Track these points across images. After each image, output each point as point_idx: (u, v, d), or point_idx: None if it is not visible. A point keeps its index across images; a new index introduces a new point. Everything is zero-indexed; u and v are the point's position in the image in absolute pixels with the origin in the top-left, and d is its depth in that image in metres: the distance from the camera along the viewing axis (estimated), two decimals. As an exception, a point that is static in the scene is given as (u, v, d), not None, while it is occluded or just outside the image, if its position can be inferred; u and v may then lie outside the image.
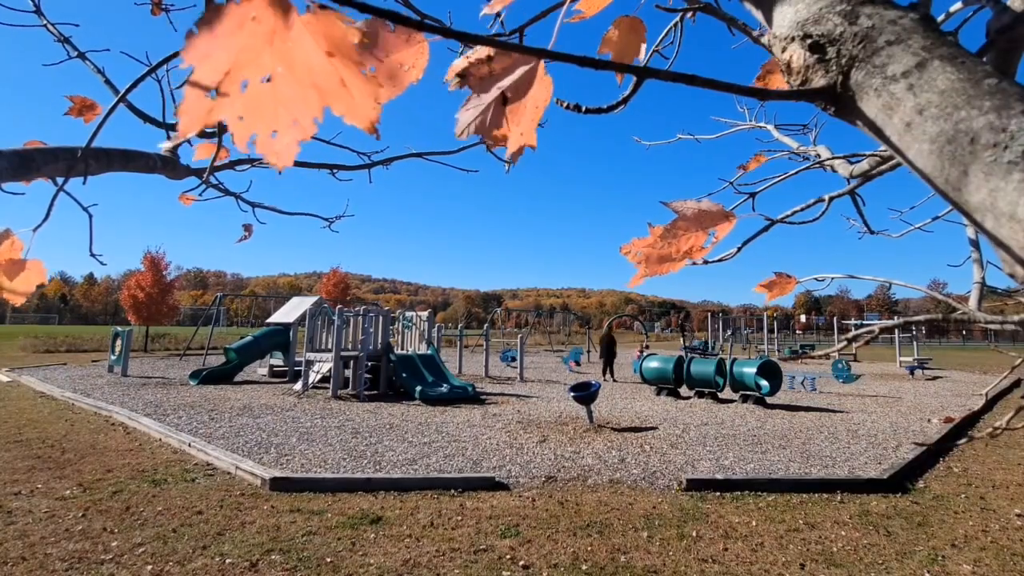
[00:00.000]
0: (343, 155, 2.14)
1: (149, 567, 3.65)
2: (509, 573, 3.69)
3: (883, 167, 1.48)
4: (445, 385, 11.40)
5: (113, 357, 15.01)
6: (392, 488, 5.32)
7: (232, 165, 1.80)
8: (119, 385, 12.41)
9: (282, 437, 7.30)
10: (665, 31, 1.38)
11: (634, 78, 0.67)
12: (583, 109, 0.73)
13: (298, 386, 11.75)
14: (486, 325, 22.13)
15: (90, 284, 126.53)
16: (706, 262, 0.97)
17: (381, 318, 12.03)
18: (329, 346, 11.68)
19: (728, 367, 11.34)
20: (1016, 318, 0.96)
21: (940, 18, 1.11)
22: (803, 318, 49.66)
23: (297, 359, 13.19)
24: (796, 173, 2.11)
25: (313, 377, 11.69)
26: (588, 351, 27.83)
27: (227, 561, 3.75)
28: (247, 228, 2.19)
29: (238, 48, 0.45)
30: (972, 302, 1.32)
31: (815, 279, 1.44)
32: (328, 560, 3.79)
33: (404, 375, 11.39)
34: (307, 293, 42.65)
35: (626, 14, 1.09)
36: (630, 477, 5.82)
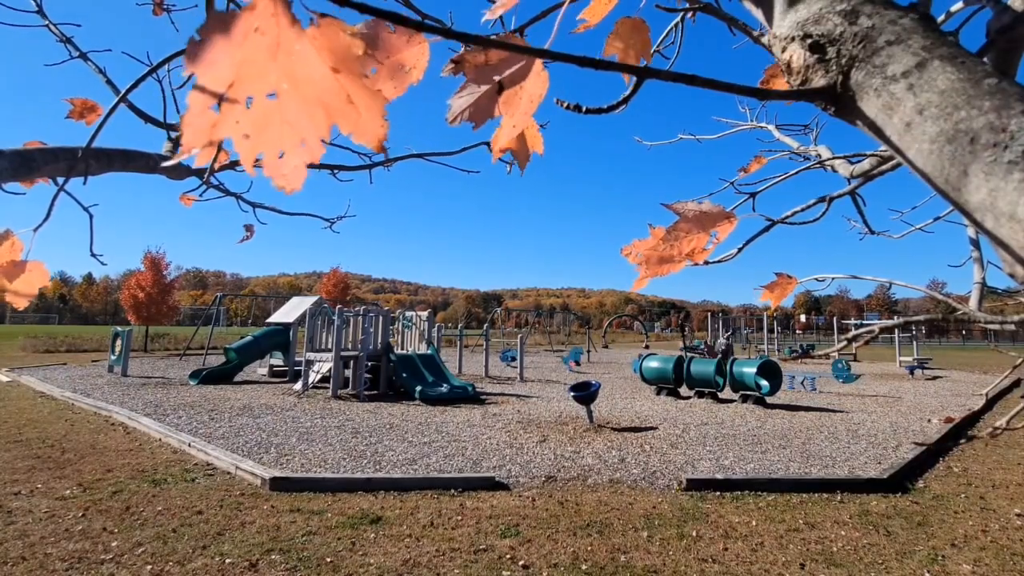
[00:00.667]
0: (343, 155, 2.14)
1: (149, 567, 3.65)
2: (509, 573, 3.69)
3: (883, 167, 1.48)
4: (445, 385, 11.40)
5: (113, 357, 15.01)
6: (392, 488, 5.32)
7: (232, 166, 1.80)
8: (119, 385, 12.41)
9: (282, 437, 7.30)
10: (666, 31, 1.38)
11: (634, 78, 0.67)
12: (583, 109, 0.74)
13: (298, 386, 11.75)
14: (486, 325, 22.14)
15: (89, 284, 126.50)
16: (707, 263, 0.97)
17: (381, 318, 12.03)
18: (329, 346, 11.68)
19: (728, 367, 11.34)
20: (1016, 318, 0.97)
21: (940, 18, 1.11)
22: (803, 318, 49.65)
23: (297, 359, 13.19)
24: (796, 173, 2.11)
25: (313, 377, 11.68)
26: (588, 351, 27.84)
27: (227, 561, 3.75)
28: (248, 228, 2.19)
29: (241, 60, 0.44)
30: (972, 302, 1.32)
31: (815, 279, 1.44)
32: (328, 560, 3.79)
33: (404, 375, 11.39)
34: (307, 293, 42.65)
35: (628, 15, 1.09)
36: (630, 477, 5.82)
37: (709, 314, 37.32)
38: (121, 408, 9.11)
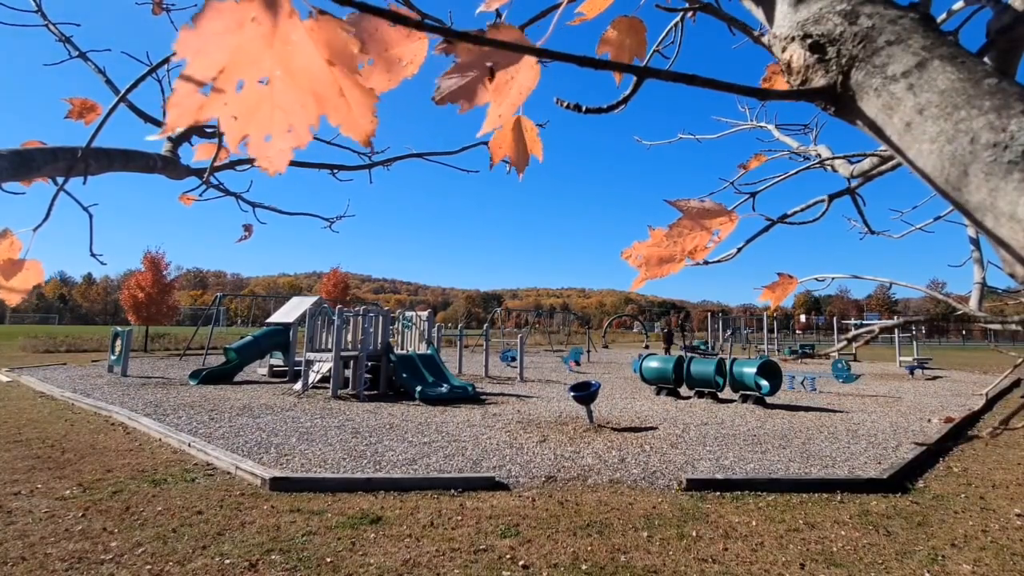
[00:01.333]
0: (343, 155, 2.14)
1: (149, 567, 3.65)
2: (509, 573, 3.69)
3: (883, 167, 1.48)
4: (445, 385, 11.40)
5: (113, 357, 15.01)
6: (392, 488, 5.32)
7: (232, 165, 1.80)
8: (119, 385, 12.41)
9: (282, 437, 7.30)
10: (666, 31, 1.38)
11: (634, 78, 0.67)
12: (583, 109, 0.74)
13: (298, 386, 11.75)
14: (486, 325, 22.14)
15: (89, 284, 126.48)
16: (706, 262, 0.97)
17: (381, 318, 12.03)
18: (329, 346, 11.68)
19: (728, 367, 11.34)
20: (1016, 318, 0.97)
21: (940, 18, 1.11)
22: (803, 318, 49.65)
23: (297, 359, 13.19)
24: (796, 173, 2.11)
25: (313, 377, 11.69)
26: (588, 351, 27.84)
27: (227, 561, 3.75)
28: (247, 228, 2.19)
29: (235, 46, 0.44)
30: (972, 302, 1.32)
31: (815, 279, 1.44)
32: (328, 560, 3.79)
33: (404, 375, 11.39)
34: (307, 293, 42.64)
35: (626, 14, 1.09)
36: (630, 477, 5.82)
37: (709, 314, 37.31)
38: (121, 408, 9.11)
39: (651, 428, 8.47)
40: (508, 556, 3.91)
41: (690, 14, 1.30)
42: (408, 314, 14.52)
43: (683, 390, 12.27)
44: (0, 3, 1.69)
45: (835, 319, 37.82)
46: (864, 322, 30.83)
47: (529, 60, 0.68)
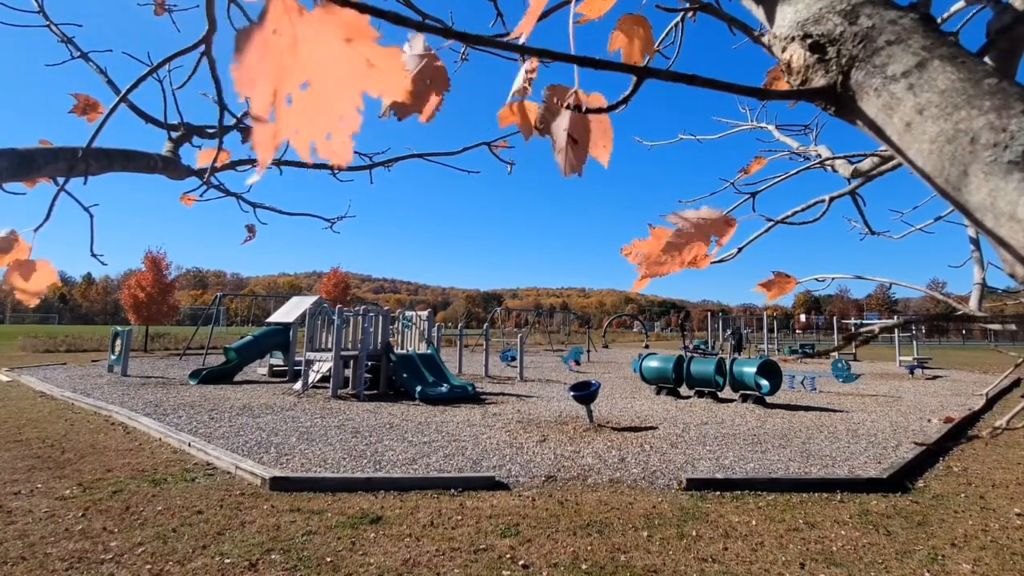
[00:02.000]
0: (343, 155, 2.13)
1: (149, 567, 3.66)
2: (509, 572, 3.69)
3: (884, 167, 1.48)
4: (445, 385, 11.40)
5: (113, 357, 15.01)
6: (392, 488, 5.32)
7: (233, 166, 1.80)
8: (119, 385, 12.41)
9: (282, 437, 7.31)
10: (666, 31, 1.38)
11: (634, 78, 0.67)
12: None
13: (298, 386, 11.75)
14: (486, 325, 22.14)
15: (89, 284, 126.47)
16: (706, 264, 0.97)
17: (381, 318, 12.03)
18: (329, 346, 11.68)
19: (728, 367, 11.34)
20: (1016, 318, 0.97)
21: (940, 18, 1.11)
22: (803, 318, 49.61)
23: (297, 359, 13.19)
24: (797, 173, 2.11)
25: (313, 377, 11.69)
26: (588, 351, 27.84)
27: (227, 561, 3.75)
28: (250, 229, 2.19)
29: (277, 67, 0.47)
30: (973, 302, 1.32)
31: (815, 279, 1.44)
32: (328, 560, 3.79)
33: (404, 375, 11.39)
34: (307, 293, 42.62)
35: (629, 14, 1.10)
36: (630, 477, 5.83)
37: (709, 314, 37.31)
38: (121, 408, 9.11)
39: (651, 428, 8.47)
40: (508, 556, 3.92)
41: (690, 14, 1.30)
42: (408, 314, 14.52)
43: (683, 390, 12.27)
44: (2, 3, 1.69)
45: (835, 319, 37.82)
46: (864, 322, 30.83)
47: (599, 121, 0.82)
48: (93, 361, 18.70)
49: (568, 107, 0.74)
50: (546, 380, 15.44)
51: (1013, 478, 6.15)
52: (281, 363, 14.57)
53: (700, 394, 11.78)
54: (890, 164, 1.45)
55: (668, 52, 1.44)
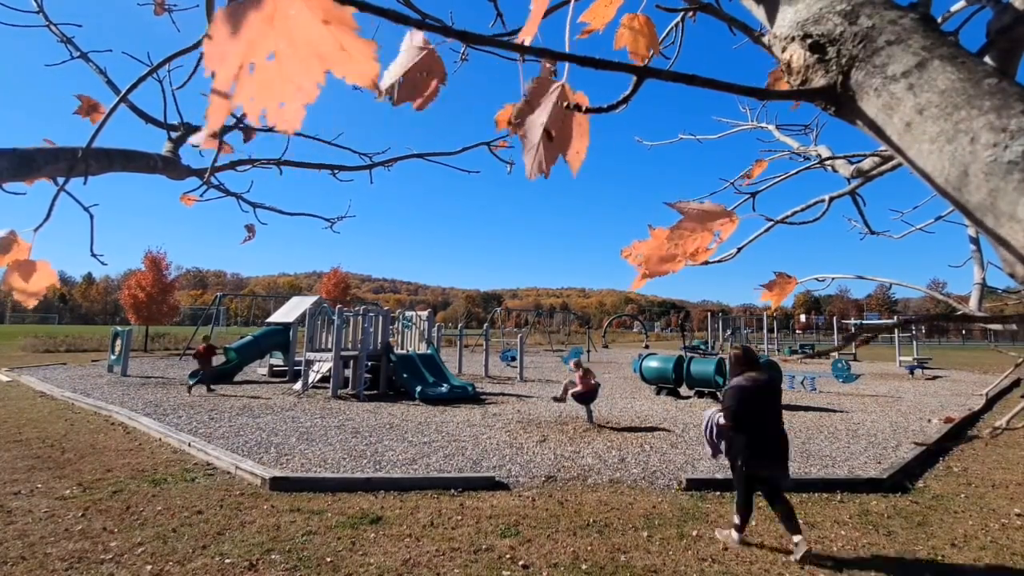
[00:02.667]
0: (344, 155, 2.14)
1: (149, 567, 3.66)
2: (509, 573, 3.69)
3: (884, 167, 1.48)
4: (445, 385, 11.40)
5: (113, 357, 15.01)
6: (392, 488, 5.32)
7: (233, 166, 1.81)
8: (119, 385, 12.41)
9: (282, 437, 7.31)
10: (666, 31, 1.38)
11: (634, 77, 0.67)
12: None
13: (298, 386, 11.75)
14: (486, 325, 22.15)
15: (89, 284, 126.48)
16: (707, 263, 0.97)
17: (381, 318, 12.03)
18: (329, 346, 11.68)
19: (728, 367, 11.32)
20: (1016, 318, 0.97)
21: (940, 18, 1.11)
22: (803, 318, 49.62)
23: (297, 359, 13.19)
24: (797, 173, 2.11)
25: (313, 377, 11.68)
26: (588, 351, 27.84)
27: (227, 561, 3.75)
28: (250, 229, 2.19)
29: (248, 41, 0.47)
30: (973, 302, 1.32)
31: (815, 279, 1.44)
32: (328, 560, 3.79)
33: (404, 375, 11.39)
34: (307, 293, 42.61)
35: (631, 14, 1.10)
36: (630, 477, 5.82)
37: (709, 314, 37.32)
38: (121, 408, 9.11)
39: (651, 428, 8.47)
40: (508, 556, 3.92)
41: (690, 14, 1.30)
42: (408, 314, 14.52)
43: (683, 390, 12.26)
44: (2, 3, 1.69)
45: (835, 319, 37.81)
46: (864, 322, 30.83)
47: (579, 121, 0.77)
48: (93, 361, 18.70)
49: (568, 106, 0.74)
50: (546, 380, 15.43)
51: (1013, 478, 6.15)
52: (281, 363, 14.57)
53: (700, 394, 11.78)
54: (890, 164, 1.45)
55: (668, 52, 1.44)
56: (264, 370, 14.93)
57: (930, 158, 0.47)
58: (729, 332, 32.72)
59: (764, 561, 3.92)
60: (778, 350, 30.35)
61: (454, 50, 1.88)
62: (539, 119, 0.76)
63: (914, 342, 23.79)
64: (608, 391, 12.77)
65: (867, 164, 1.55)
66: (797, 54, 0.62)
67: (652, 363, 12.45)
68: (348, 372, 11.49)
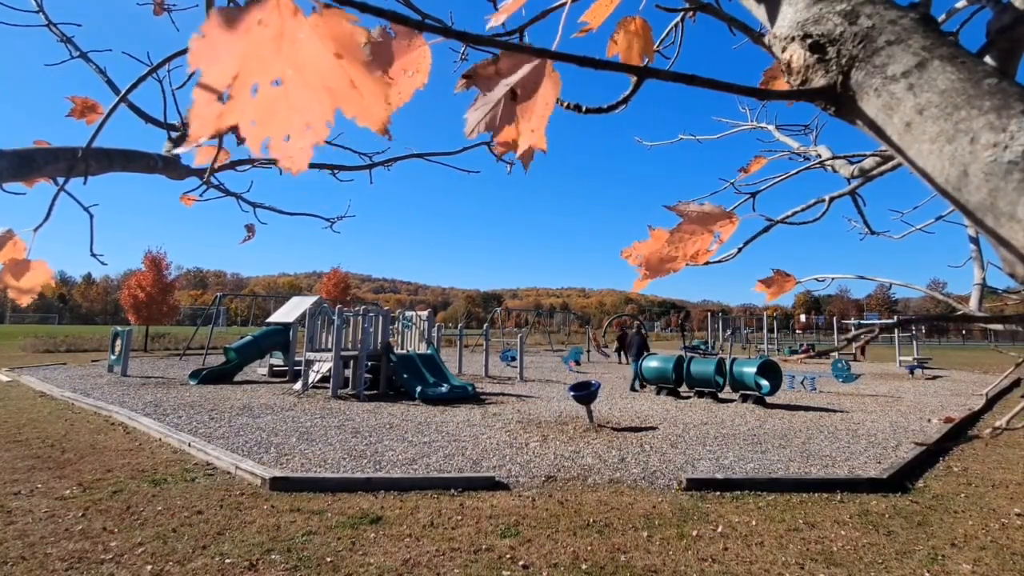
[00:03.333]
0: (344, 155, 2.14)
1: (149, 567, 3.66)
2: (509, 573, 3.69)
3: (884, 167, 1.48)
4: (445, 385, 11.39)
5: (113, 357, 15.00)
6: (392, 488, 5.32)
7: (233, 166, 1.80)
8: (119, 385, 12.41)
9: (282, 437, 7.30)
10: (666, 31, 1.38)
11: (634, 78, 0.67)
12: (583, 109, 0.74)
13: (298, 386, 11.75)
14: (486, 325, 22.14)
15: (89, 284, 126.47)
16: (707, 263, 0.97)
17: (381, 318, 12.03)
18: (329, 346, 11.68)
19: (728, 367, 11.33)
20: (1016, 318, 0.97)
21: (940, 18, 1.11)
22: (803, 318, 49.61)
23: (297, 359, 13.19)
24: (797, 173, 2.11)
25: (313, 377, 11.68)
26: (588, 351, 27.83)
27: (227, 561, 3.75)
28: (250, 228, 2.19)
29: (245, 52, 0.45)
30: (973, 302, 1.32)
31: (815, 279, 1.44)
32: (328, 560, 3.79)
33: (404, 375, 11.39)
34: (307, 293, 42.62)
35: (628, 15, 1.10)
36: (630, 477, 5.82)
37: (709, 314, 37.32)
38: (121, 408, 9.11)
39: (651, 428, 8.47)
40: (508, 556, 3.92)
41: (690, 14, 1.30)
42: (408, 314, 14.52)
43: (683, 390, 12.27)
44: (2, 3, 1.69)
45: (835, 319, 37.80)
46: (863, 322, 30.82)
47: (548, 70, 0.68)
48: (93, 361, 18.69)
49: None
50: (546, 380, 15.43)
51: (1013, 478, 6.15)
52: (281, 363, 14.57)
53: (700, 394, 11.78)
54: (890, 164, 1.45)
55: (668, 52, 1.44)
56: (264, 370, 14.93)
57: (930, 158, 0.47)
58: (729, 332, 32.69)
59: (764, 561, 3.92)
60: (778, 350, 30.34)
61: (454, 50, 1.88)
62: (507, 78, 0.69)
63: (914, 342, 23.78)
64: (608, 391, 12.77)
65: (867, 164, 1.55)
66: (797, 54, 0.62)
67: (652, 363, 12.46)
68: (348, 372, 11.49)
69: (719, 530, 4.45)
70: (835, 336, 31.48)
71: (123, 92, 1.46)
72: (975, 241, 1.52)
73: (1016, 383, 14.06)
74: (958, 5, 1.10)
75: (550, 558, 3.90)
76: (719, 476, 5.77)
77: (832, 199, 1.57)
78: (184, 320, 52.41)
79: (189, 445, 6.71)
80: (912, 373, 18.44)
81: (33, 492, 5.08)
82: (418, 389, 10.82)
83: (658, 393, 12.39)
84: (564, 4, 0.99)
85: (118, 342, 14.82)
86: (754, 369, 10.88)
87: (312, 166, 1.91)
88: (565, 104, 0.72)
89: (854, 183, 1.58)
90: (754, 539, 4.29)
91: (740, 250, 1.32)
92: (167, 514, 4.57)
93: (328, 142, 2.09)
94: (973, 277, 1.42)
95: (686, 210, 0.87)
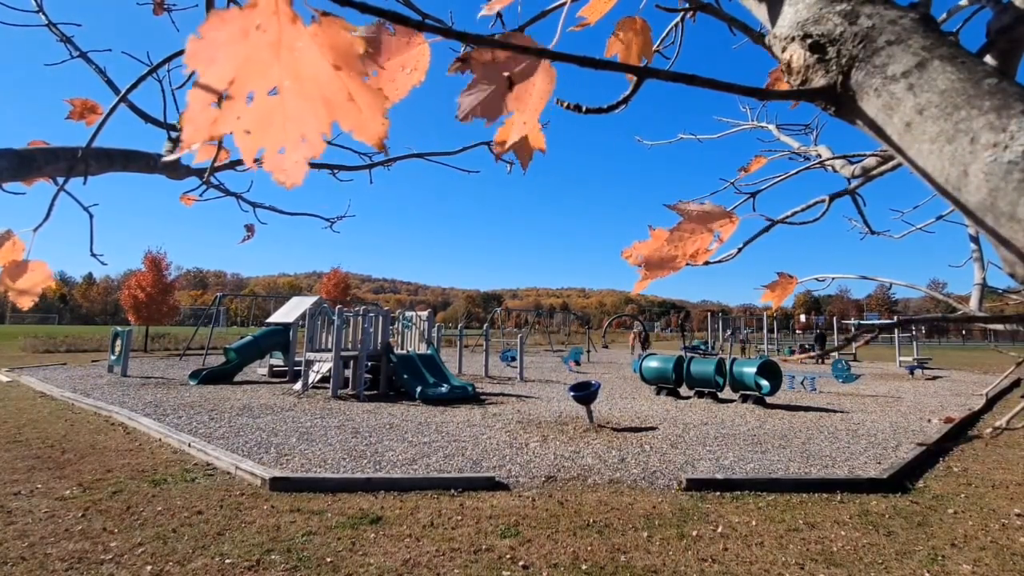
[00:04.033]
0: (344, 155, 2.14)
1: (149, 567, 3.65)
2: (509, 573, 3.69)
3: (884, 167, 1.48)
4: (445, 385, 11.39)
5: (113, 357, 15.00)
6: (392, 488, 5.32)
7: (233, 166, 1.80)
8: (119, 385, 12.41)
9: (282, 437, 7.30)
10: (666, 31, 1.38)
11: (634, 78, 0.67)
12: (583, 109, 0.74)
13: (298, 386, 11.75)
14: (486, 325, 22.13)
15: (89, 284, 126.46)
16: (707, 263, 0.97)
17: (381, 318, 12.03)
18: (329, 346, 11.67)
19: (728, 367, 11.33)
20: (1016, 318, 0.97)
21: (940, 18, 1.11)
22: (803, 318, 49.59)
23: (297, 359, 13.18)
24: (797, 173, 2.11)
25: (313, 377, 11.68)
26: (588, 351, 27.84)
27: (227, 561, 3.75)
28: (249, 228, 2.19)
29: (243, 57, 0.44)
30: (973, 302, 1.32)
31: (815, 279, 1.44)
32: (328, 560, 3.79)
33: (404, 375, 11.39)
34: (307, 293, 42.62)
35: (628, 15, 1.10)
36: (630, 477, 5.82)
37: (709, 314, 37.31)
38: (121, 408, 9.11)
39: (651, 428, 8.47)
40: (508, 556, 3.92)
41: (690, 14, 1.30)
42: (408, 314, 14.51)
43: (683, 390, 12.27)
44: (2, 3, 1.69)
45: (835, 319, 37.80)
46: (864, 322, 30.81)
47: (545, 64, 0.67)
48: (93, 361, 18.69)
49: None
50: (546, 380, 15.43)
51: (1013, 478, 6.15)
52: (281, 363, 14.57)
53: (700, 394, 11.78)
54: (890, 164, 1.45)
55: (668, 52, 1.44)
56: (264, 370, 14.93)
57: (930, 158, 0.47)
58: (729, 332, 32.69)
59: (764, 561, 3.92)
60: (778, 350, 30.33)
61: (453, 50, 1.88)
62: (502, 64, 0.68)
63: (914, 342, 23.77)
64: (608, 391, 12.77)
65: (867, 164, 1.54)
66: (797, 54, 0.62)
67: (652, 363, 12.46)
68: (348, 372, 11.48)
69: (719, 530, 4.45)
70: (835, 336, 31.46)
71: (123, 92, 1.46)
72: (975, 241, 1.52)
73: (1016, 383, 14.06)
74: (962, 2, 1.10)
75: (550, 558, 3.90)
76: (719, 476, 5.77)
77: (832, 199, 1.57)
78: (184, 320, 52.39)
79: (189, 445, 6.71)
80: (912, 373, 18.44)
81: (33, 492, 5.08)
82: (418, 389, 10.81)
83: (658, 393, 12.39)
84: (564, 4, 0.99)
85: (118, 342, 14.82)
86: (754, 369, 10.88)
87: (312, 166, 1.91)
88: (565, 104, 0.72)
89: (854, 183, 1.58)
90: (754, 539, 4.29)
91: (740, 250, 1.32)
92: (167, 514, 4.57)
93: (328, 142, 2.09)
94: (973, 277, 1.42)
95: (686, 209, 0.87)
